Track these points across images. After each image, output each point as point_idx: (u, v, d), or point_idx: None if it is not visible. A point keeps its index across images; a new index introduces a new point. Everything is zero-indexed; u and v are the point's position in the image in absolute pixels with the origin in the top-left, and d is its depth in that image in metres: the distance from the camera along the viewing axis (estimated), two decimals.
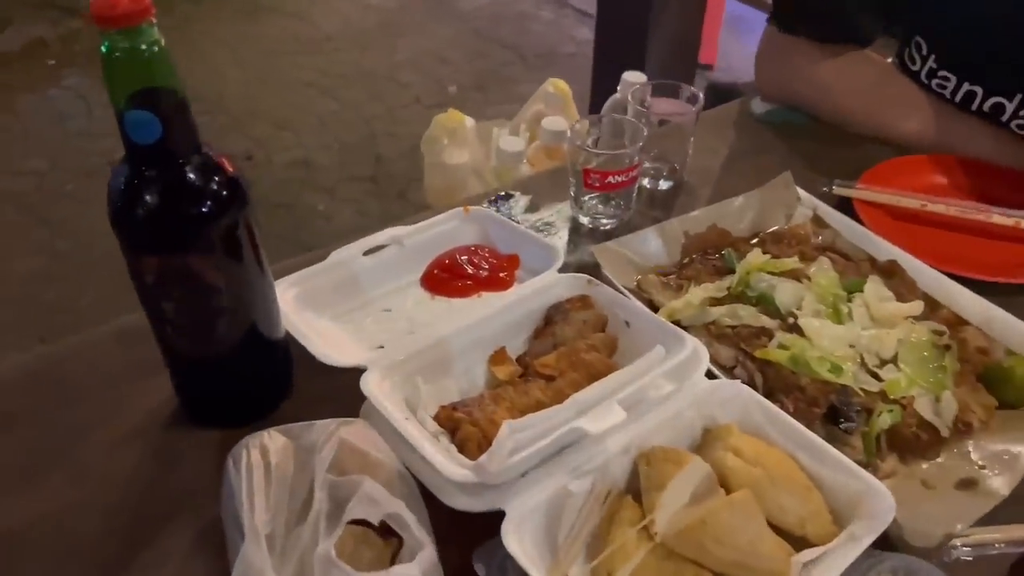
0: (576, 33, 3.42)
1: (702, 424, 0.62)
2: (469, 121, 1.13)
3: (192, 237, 0.56)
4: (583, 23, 3.52)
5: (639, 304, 0.70)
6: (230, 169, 0.57)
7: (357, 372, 0.64)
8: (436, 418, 0.63)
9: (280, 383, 0.69)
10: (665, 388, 0.64)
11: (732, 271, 0.77)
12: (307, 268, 0.75)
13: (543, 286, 0.73)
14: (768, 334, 0.70)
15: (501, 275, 0.78)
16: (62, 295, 2.30)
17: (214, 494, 0.57)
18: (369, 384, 0.63)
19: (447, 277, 0.79)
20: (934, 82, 1.03)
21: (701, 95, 0.89)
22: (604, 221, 0.86)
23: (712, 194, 0.91)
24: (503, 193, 0.92)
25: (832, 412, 0.65)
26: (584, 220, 0.87)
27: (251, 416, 0.66)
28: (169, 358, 0.65)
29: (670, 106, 0.89)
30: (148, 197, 0.55)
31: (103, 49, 0.51)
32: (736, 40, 3.22)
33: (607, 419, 0.58)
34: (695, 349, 0.64)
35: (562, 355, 0.67)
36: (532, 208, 0.91)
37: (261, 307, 0.64)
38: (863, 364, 0.69)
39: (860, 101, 1.04)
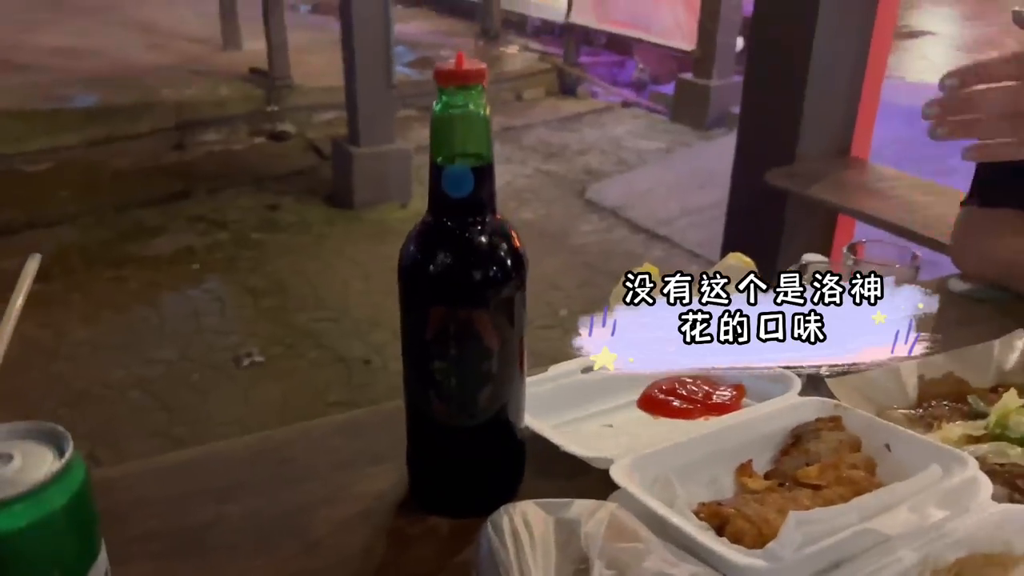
0: (687, 270, 3.54)
1: (1000, 549, 0.55)
2: None
3: (486, 291, 0.57)
4: (694, 262, 3.65)
5: (901, 428, 0.66)
6: (517, 242, 0.60)
7: (587, 474, 0.63)
8: (697, 513, 0.58)
9: (514, 477, 0.66)
10: (935, 515, 0.58)
11: (980, 416, 0.73)
12: (529, 377, 0.75)
13: (786, 407, 0.70)
14: None
15: (727, 401, 0.76)
16: None
17: None
18: (621, 474, 0.60)
19: (668, 400, 0.77)
20: None
21: (919, 254, 0.89)
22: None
23: None
24: None
25: None
26: None
27: (483, 507, 0.62)
28: (417, 430, 0.63)
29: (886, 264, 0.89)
30: (450, 247, 0.57)
31: (436, 108, 0.56)
32: None
33: (906, 524, 0.53)
34: (978, 471, 0.59)
35: (825, 468, 0.62)
36: None
37: (517, 387, 0.63)
38: None
39: None
